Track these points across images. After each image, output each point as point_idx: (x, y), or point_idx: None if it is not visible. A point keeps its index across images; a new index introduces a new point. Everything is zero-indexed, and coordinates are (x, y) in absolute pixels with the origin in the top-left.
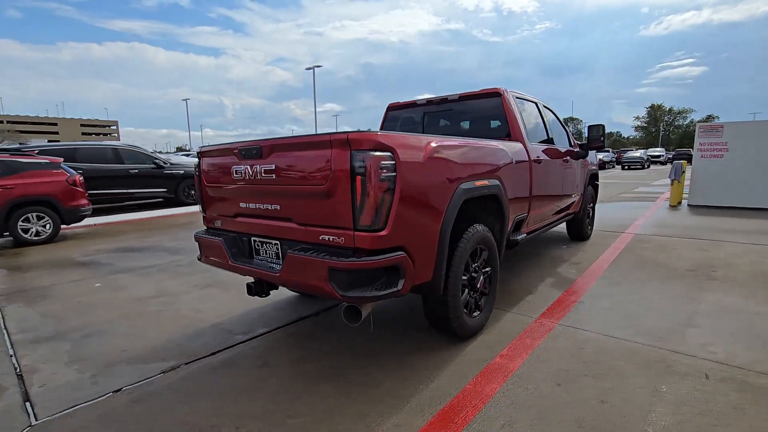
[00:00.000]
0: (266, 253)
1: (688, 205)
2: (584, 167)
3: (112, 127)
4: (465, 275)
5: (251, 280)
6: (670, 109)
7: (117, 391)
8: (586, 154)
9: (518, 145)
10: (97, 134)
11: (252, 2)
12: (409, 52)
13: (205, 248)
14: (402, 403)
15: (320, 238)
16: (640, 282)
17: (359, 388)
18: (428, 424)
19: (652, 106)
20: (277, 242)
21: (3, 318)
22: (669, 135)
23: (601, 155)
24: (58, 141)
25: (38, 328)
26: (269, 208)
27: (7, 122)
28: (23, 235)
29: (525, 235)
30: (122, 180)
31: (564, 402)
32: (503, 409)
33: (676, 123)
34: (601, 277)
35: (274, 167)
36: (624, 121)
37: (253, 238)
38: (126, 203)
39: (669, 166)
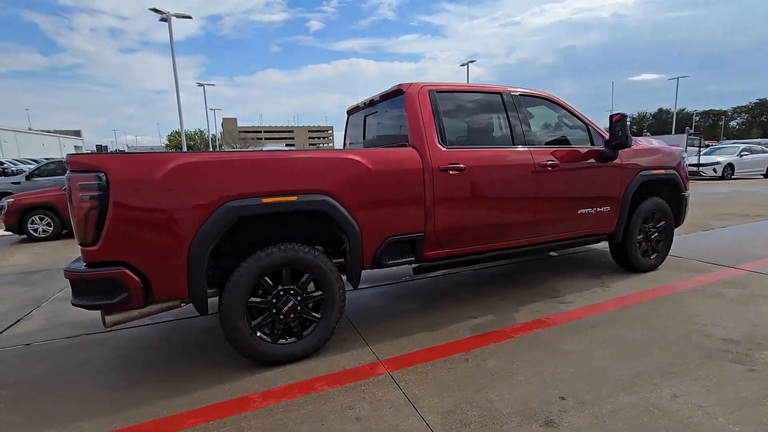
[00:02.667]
0: None
1: None
2: (619, 171)
3: (328, 132)
4: (264, 297)
5: None
6: None
7: (28, 344)
8: (615, 155)
9: (404, 152)
10: (318, 138)
11: (449, 4)
12: (624, 27)
13: None
14: (115, 412)
15: None
16: (608, 345)
17: (125, 387)
18: None
19: None
20: None
21: None
22: None
23: None
24: (293, 145)
25: None
26: None
27: (264, 131)
28: None
29: (411, 259)
30: None
31: None
32: None
33: None
34: (557, 328)
35: None
36: None
37: None
38: None
39: None
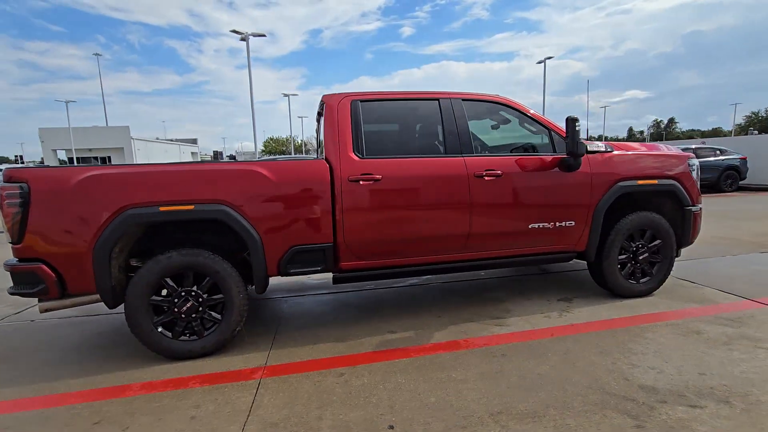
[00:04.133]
0: None
1: None
2: (585, 181)
3: None
4: (167, 297)
5: None
6: None
7: (32, 321)
8: (577, 163)
9: (312, 164)
10: None
11: None
12: (766, 6)
13: None
14: (30, 384)
15: None
16: (498, 377)
17: (56, 365)
18: None
19: None
20: None
21: None
22: None
23: None
24: None
25: None
26: None
27: None
28: None
29: (319, 268)
30: None
31: None
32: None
33: None
34: (464, 353)
35: None
36: None
37: None
38: None
39: None
